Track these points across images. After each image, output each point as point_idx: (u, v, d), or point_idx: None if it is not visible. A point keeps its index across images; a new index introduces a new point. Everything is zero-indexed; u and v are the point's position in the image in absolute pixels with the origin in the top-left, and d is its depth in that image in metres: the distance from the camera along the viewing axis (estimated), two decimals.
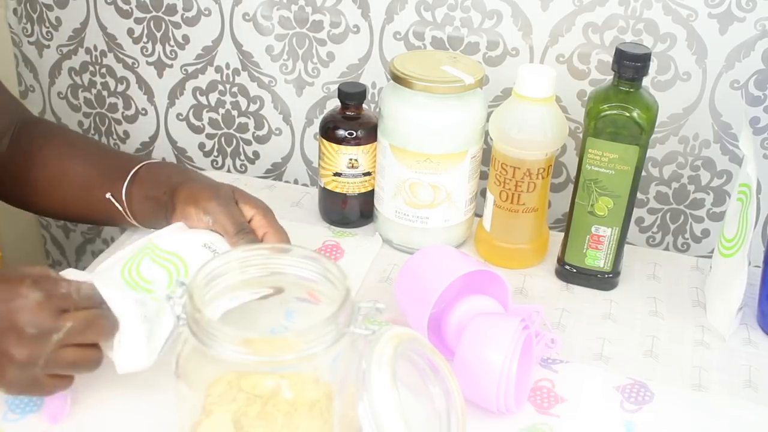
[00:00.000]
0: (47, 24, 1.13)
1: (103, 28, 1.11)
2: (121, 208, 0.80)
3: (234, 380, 0.56)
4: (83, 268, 0.82)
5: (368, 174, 0.93)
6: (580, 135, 0.90)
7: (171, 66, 1.11)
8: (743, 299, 0.79)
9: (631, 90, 0.78)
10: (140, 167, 0.81)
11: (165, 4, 1.06)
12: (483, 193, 0.93)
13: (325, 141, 0.92)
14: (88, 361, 0.62)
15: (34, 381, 0.60)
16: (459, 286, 0.74)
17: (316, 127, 1.08)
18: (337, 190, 0.94)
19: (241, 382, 0.56)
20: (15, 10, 1.15)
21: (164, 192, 0.78)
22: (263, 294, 0.69)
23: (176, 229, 0.74)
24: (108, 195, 0.80)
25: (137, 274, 0.68)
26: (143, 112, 1.15)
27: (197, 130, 1.15)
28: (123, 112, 1.17)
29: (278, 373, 0.56)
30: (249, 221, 0.76)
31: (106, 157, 0.86)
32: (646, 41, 0.93)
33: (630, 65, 0.77)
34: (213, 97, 1.11)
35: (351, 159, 0.91)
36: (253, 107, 1.10)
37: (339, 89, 0.91)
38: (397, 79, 0.84)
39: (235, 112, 1.12)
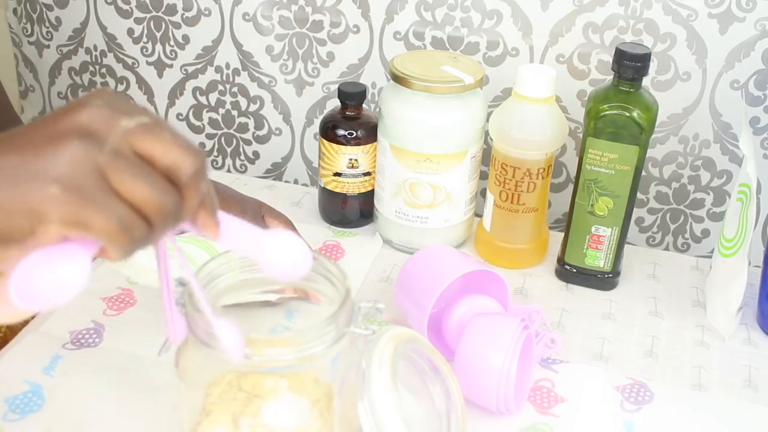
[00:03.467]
0: (47, 24, 1.13)
1: (103, 28, 1.11)
2: None
3: (234, 380, 0.56)
4: None
5: (368, 174, 0.93)
6: (580, 135, 0.90)
7: (171, 66, 1.11)
8: (743, 299, 0.79)
9: (631, 90, 0.78)
10: None
11: (165, 4, 1.06)
12: (483, 193, 0.93)
13: (325, 141, 0.92)
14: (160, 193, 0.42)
15: (96, 171, 0.41)
16: (459, 286, 0.74)
17: (316, 127, 1.08)
18: (337, 190, 0.94)
19: (241, 382, 0.56)
20: (15, 10, 1.15)
21: None
22: (287, 297, 0.70)
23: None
24: None
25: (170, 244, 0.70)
26: None
27: (197, 130, 1.15)
28: None
29: (278, 373, 0.56)
30: None
31: None
32: (646, 41, 0.93)
33: (630, 65, 0.77)
34: (213, 97, 1.11)
35: (351, 159, 0.91)
36: (253, 107, 1.10)
37: (339, 89, 0.91)
38: (397, 78, 0.84)
39: (235, 112, 1.12)
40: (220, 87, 1.10)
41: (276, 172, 1.14)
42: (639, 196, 1.01)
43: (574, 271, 0.87)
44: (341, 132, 0.91)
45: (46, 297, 0.40)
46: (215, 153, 1.16)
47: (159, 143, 0.42)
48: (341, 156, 0.91)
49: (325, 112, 0.97)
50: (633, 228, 1.04)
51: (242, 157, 1.14)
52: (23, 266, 0.39)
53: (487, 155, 0.93)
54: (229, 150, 1.15)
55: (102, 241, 0.40)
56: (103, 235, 0.40)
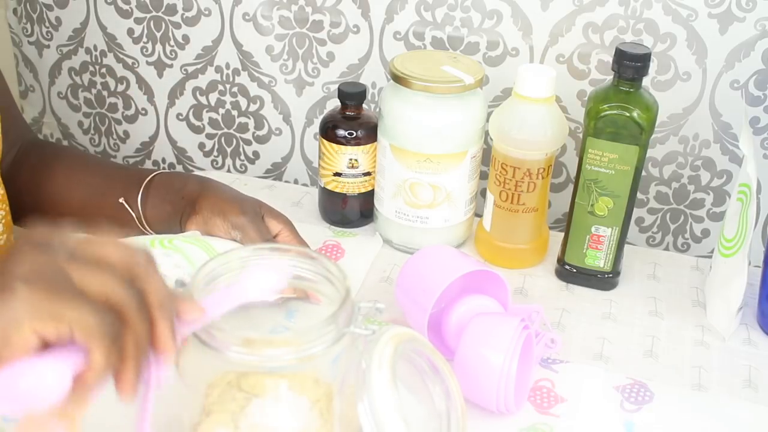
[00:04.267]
0: (47, 24, 1.13)
1: (103, 28, 1.11)
2: (134, 214, 0.81)
3: (234, 380, 0.56)
4: None
5: (368, 174, 0.93)
6: (580, 135, 0.90)
7: (171, 66, 1.11)
8: (743, 299, 0.79)
9: (631, 90, 0.78)
10: (155, 174, 0.82)
11: (165, 4, 1.06)
12: (483, 193, 0.93)
13: (325, 141, 0.92)
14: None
15: (58, 270, 0.43)
16: (459, 286, 0.74)
17: (316, 127, 1.08)
18: (337, 190, 0.94)
19: (241, 382, 0.56)
20: (15, 10, 1.15)
21: (182, 197, 0.79)
22: (287, 296, 0.70)
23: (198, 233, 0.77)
24: (121, 200, 0.81)
25: (168, 242, 0.70)
26: (143, 112, 1.15)
27: (197, 130, 1.15)
28: (123, 112, 1.17)
29: (278, 373, 0.56)
30: (275, 236, 0.78)
31: (118, 168, 0.88)
32: (646, 41, 0.93)
33: (630, 65, 0.77)
34: (213, 97, 1.11)
35: (351, 159, 0.91)
36: (253, 107, 1.10)
37: (339, 89, 0.91)
38: (397, 78, 0.84)
39: (235, 112, 1.12)
40: (220, 87, 1.10)
41: (276, 172, 1.14)
42: (639, 196, 1.01)
43: (574, 271, 0.87)
44: (341, 132, 0.91)
45: (26, 401, 0.40)
46: (215, 153, 1.16)
47: (106, 245, 0.44)
48: (341, 156, 0.91)
49: (325, 112, 0.97)
50: (633, 228, 1.04)
51: (242, 157, 1.14)
52: (5, 374, 0.40)
53: (487, 155, 0.93)
54: (229, 150, 1.15)
55: (77, 332, 0.41)
56: (76, 326, 0.40)
